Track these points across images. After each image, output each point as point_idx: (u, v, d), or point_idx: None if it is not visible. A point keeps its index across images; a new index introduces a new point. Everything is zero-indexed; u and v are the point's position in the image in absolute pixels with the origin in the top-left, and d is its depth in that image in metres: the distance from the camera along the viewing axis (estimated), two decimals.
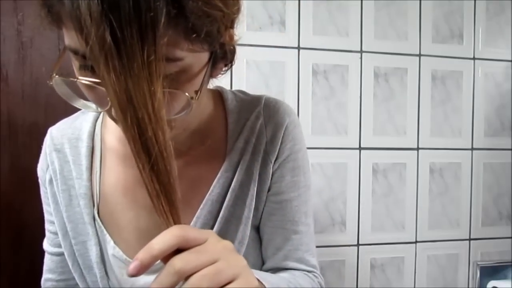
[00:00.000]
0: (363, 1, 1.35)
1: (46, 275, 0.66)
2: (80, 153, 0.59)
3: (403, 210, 1.40)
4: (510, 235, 1.50)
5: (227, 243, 0.38)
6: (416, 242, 1.42)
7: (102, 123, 0.62)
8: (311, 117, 1.31)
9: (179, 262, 0.34)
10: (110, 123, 0.60)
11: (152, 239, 0.50)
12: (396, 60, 1.38)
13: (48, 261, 0.64)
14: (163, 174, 0.37)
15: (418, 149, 1.41)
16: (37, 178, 0.66)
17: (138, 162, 0.36)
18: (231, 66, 0.52)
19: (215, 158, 0.58)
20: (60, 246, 0.61)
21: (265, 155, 0.59)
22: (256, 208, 0.59)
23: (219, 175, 0.57)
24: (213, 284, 0.34)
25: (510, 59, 1.48)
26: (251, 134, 0.59)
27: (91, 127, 0.61)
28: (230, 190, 0.57)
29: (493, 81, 1.47)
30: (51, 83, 0.42)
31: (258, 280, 0.44)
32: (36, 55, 1.18)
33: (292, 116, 0.61)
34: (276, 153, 0.59)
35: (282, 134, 0.59)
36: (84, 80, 0.39)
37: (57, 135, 0.62)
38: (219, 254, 0.36)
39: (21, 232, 1.17)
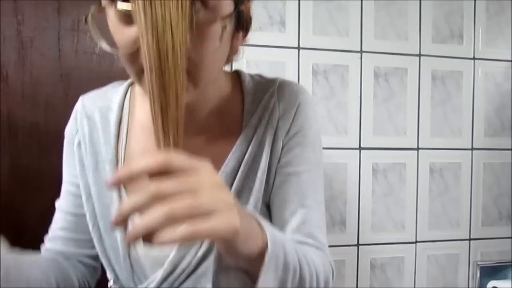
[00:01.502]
0: (363, 1, 1.35)
1: (56, 232, 0.66)
2: (110, 122, 0.63)
3: (403, 210, 1.40)
4: (510, 235, 1.50)
5: (217, 178, 0.36)
6: (416, 242, 1.42)
7: (131, 97, 0.65)
8: None
9: (154, 185, 0.33)
10: (138, 97, 0.64)
11: None
12: (396, 60, 1.38)
13: (60, 220, 0.65)
14: (171, 96, 0.39)
15: (418, 149, 1.41)
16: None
17: (150, 77, 0.38)
18: (246, 34, 0.57)
19: (232, 135, 0.61)
20: (78, 207, 0.63)
21: (277, 130, 0.61)
22: (267, 182, 0.60)
23: (233, 149, 0.60)
24: (186, 214, 0.32)
25: (510, 59, 1.48)
26: (265, 111, 0.61)
27: (121, 100, 0.65)
28: (243, 162, 0.59)
29: (493, 81, 1.47)
30: (86, 24, 0.46)
31: (260, 225, 0.43)
32: (36, 55, 1.18)
33: (306, 96, 0.63)
34: (288, 128, 0.61)
35: (294, 111, 0.61)
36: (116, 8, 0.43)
37: (88, 103, 0.66)
38: (202, 186, 0.34)
39: (21, 232, 1.17)
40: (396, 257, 1.40)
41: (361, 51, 1.35)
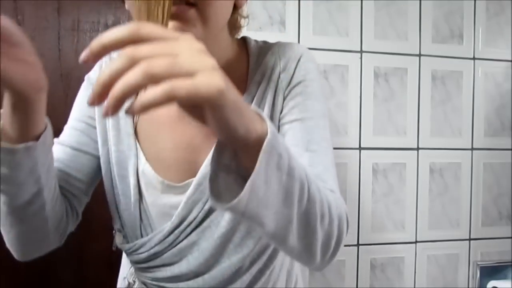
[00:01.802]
0: (363, 1, 1.35)
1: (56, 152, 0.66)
2: None
3: (403, 210, 1.40)
4: (510, 235, 1.50)
5: (198, 45, 0.33)
6: (416, 242, 1.42)
7: None
8: None
9: (130, 48, 0.31)
10: None
11: (189, 171, 0.60)
12: (396, 60, 1.38)
13: (57, 151, 0.63)
14: None
15: (418, 149, 1.41)
16: None
17: None
18: None
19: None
20: (81, 144, 0.63)
21: (279, 83, 0.61)
22: None
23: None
24: (167, 72, 0.30)
25: (510, 59, 1.48)
26: (266, 67, 0.62)
27: None
28: None
29: (493, 81, 1.47)
30: None
31: (260, 116, 0.40)
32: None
33: (306, 53, 0.64)
34: (289, 80, 0.61)
35: (295, 64, 0.62)
36: None
37: (115, 56, 0.68)
38: (182, 50, 0.32)
39: None
40: (396, 257, 1.40)
41: (361, 51, 1.35)
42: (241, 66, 0.63)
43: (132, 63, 0.30)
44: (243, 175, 0.39)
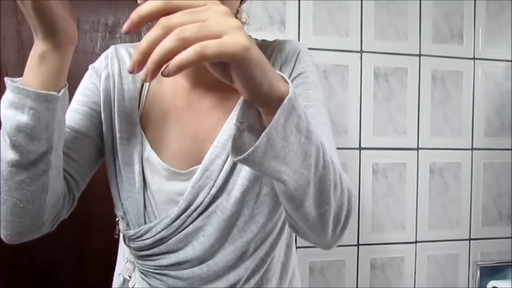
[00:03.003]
0: (363, 1, 1.35)
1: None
2: None
3: (403, 210, 1.40)
4: (510, 235, 1.50)
5: (224, 8, 0.37)
6: (416, 242, 1.42)
7: None
8: None
9: (164, 18, 0.35)
10: None
11: (193, 160, 0.61)
12: (396, 60, 1.38)
13: None
14: None
15: (418, 149, 1.41)
16: None
17: None
18: None
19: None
20: (80, 125, 0.63)
21: None
22: None
23: (239, 100, 0.61)
24: (197, 35, 0.34)
25: (510, 59, 1.49)
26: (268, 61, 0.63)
27: None
28: None
29: (493, 81, 1.48)
30: None
31: (283, 78, 0.42)
32: None
33: (304, 48, 0.66)
34: (290, 72, 0.63)
35: (295, 58, 0.64)
36: None
37: (121, 49, 0.68)
38: (210, 14, 0.36)
39: None
40: (396, 257, 1.40)
41: (361, 51, 1.35)
42: None
43: (167, 31, 0.34)
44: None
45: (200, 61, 0.34)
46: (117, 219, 0.66)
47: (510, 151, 1.49)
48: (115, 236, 0.68)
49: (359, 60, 1.35)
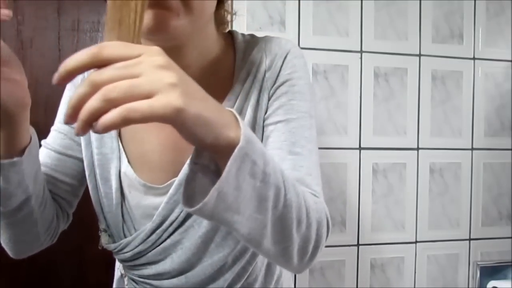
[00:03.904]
0: (363, 1, 1.35)
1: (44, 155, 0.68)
2: None
3: (403, 210, 1.40)
4: (510, 235, 1.50)
5: (160, 59, 0.34)
6: (416, 242, 1.42)
7: None
8: None
9: (93, 74, 0.33)
10: None
11: (173, 172, 0.59)
12: (396, 60, 1.38)
13: (43, 156, 0.64)
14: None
15: (418, 149, 1.41)
16: None
17: None
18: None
19: (224, 93, 0.61)
20: (65, 147, 0.65)
21: (264, 82, 0.60)
22: None
23: (222, 104, 0.59)
24: (125, 95, 0.31)
25: (510, 59, 1.48)
26: (252, 65, 0.61)
27: None
28: None
29: (493, 81, 1.47)
30: None
31: (237, 120, 0.39)
32: (36, 55, 1.18)
33: (294, 49, 0.62)
34: (275, 79, 0.60)
35: (281, 62, 0.60)
36: None
37: None
38: (143, 69, 0.33)
39: None
40: (396, 257, 1.40)
41: (361, 51, 1.35)
42: (227, 63, 0.62)
43: (94, 89, 0.32)
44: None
45: (127, 125, 0.32)
46: (99, 232, 0.67)
47: (510, 151, 1.49)
48: (99, 247, 0.69)
49: (359, 60, 1.35)
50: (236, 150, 0.37)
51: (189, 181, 0.40)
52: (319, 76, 1.32)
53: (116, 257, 0.67)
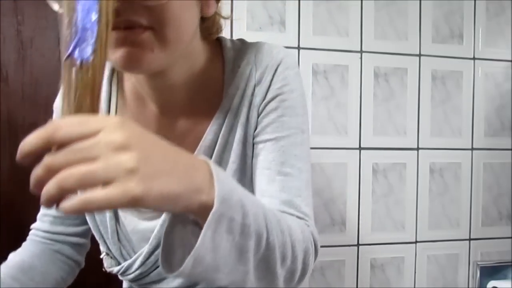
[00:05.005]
0: (363, 1, 1.35)
1: (44, 211, 0.69)
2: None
3: (403, 210, 1.40)
4: (510, 235, 1.50)
5: (118, 138, 0.31)
6: (416, 242, 1.42)
7: (118, 72, 0.64)
8: (311, 117, 1.31)
9: (48, 157, 0.31)
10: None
11: None
12: (396, 60, 1.38)
13: (44, 223, 0.68)
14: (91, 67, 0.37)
15: (418, 149, 1.41)
16: None
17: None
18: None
19: (214, 109, 0.59)
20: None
21: (253, 98, 0.58)
22: (244, 154, 0.58)
23: (212, 122, 0.58)
24: (80, 184, 0.30)
25: (510, 59, 1.48)
26: (241, 79, 0.58)
27: (110, 73, 0.63)
28: (220, 135, 0.57)
29: (493, 81, 1.47)
30: None
31: (213, 182, 0.37)
32: (36, 55, 1.18)
33: (286, 58, 0.58)
34: (264, 94, 0.57)
35: (271, 76, 0.57)
36: None
37: None
38: (100, 151, 0.31)
39: (21, 232, 1.17)
40: (396, 257, 1.40)
41: (361, 51, 1.35)
42: (215, 74, 0.59)
43: (50, 174, 0.30)
44: (201, 226, 0.37)
45: (84, 211, 0.31)
46: (101, 256, 0.68)
47: (510, 151, 1.49)
48: (103, 270, 0.69)
49: (359, 60, 1.35)
50: (210, 216, 0.36)
51: (168, 234, 0.40)
52: (319, 76, 1.32)
53: (122, 279, 0.68)
